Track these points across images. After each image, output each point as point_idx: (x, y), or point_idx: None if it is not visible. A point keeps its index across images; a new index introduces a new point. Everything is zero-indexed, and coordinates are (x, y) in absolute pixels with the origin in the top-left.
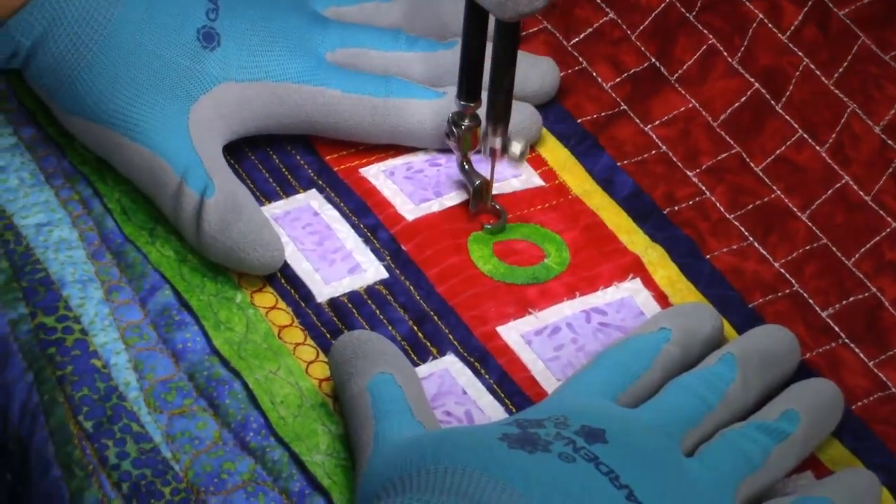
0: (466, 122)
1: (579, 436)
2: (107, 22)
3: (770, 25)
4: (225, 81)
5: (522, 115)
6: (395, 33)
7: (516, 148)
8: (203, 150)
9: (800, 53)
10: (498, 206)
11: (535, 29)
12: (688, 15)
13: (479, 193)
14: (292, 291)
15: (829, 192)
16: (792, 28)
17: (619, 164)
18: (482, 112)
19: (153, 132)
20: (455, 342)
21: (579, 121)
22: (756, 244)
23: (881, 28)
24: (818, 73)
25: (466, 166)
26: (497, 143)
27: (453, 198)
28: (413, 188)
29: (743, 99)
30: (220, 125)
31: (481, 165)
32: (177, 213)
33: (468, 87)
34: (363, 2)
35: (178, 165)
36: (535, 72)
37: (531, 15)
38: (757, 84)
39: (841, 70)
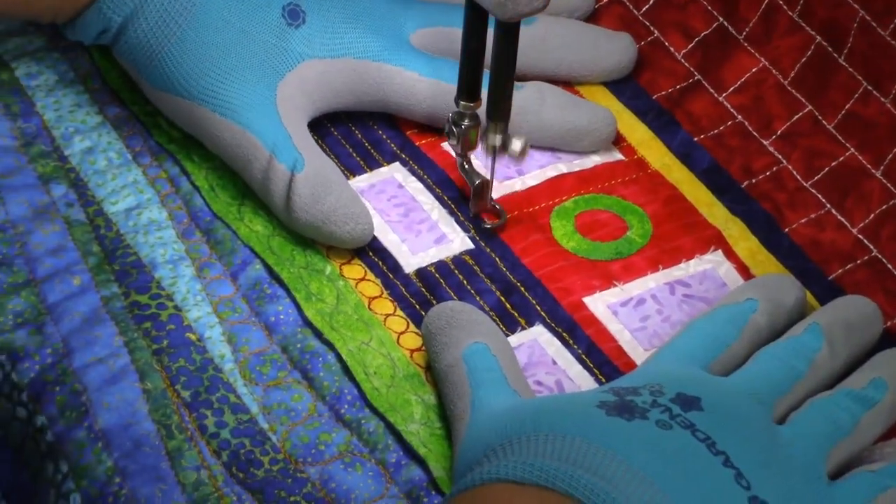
0: (466, 122)
1: (675, 403)
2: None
3: None
4: (309, 59)
5: (596, 115)
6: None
7: (516, 145)
8: (291, 126)
9: (855, 5)
10: (498, 206)
11: (607, 1)
12: None
13: (478, 193)
14: (380, 263)
15: None
16: None
17: (695, 139)
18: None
19: (243, 108)
20: (543, 313)
21: (654, 97)
22: (833, 210)
23: None
24: (874, 24)
25: (466, 166)
26: (497, 140)
27: (536, 176)
28: (497, 165)
29: (808, 54)
30: (304, 101)
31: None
32: (267, 188)
33: (468, 87)
34: None
35: (267, 141)
36: (612, 47)
37: (531, 15)
38: (819, 38)
39: None
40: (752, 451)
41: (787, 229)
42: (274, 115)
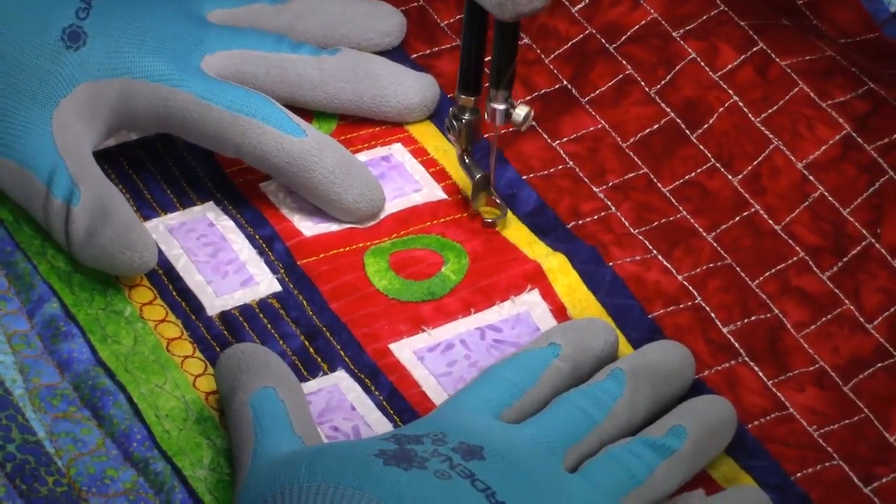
0: (467, 116)
1: (456, 452)
2: None
3: (702, 63)
4: (84, 81)
5: (364, 194)
6: (279, 37)
7: (520, 112)
8: (69, 156)
9: (730, 91)
10: (499, 200)
11: (448, 46)
12: (608, 45)
13: (479, 187)
14: (183, 304)
15: (738, 218)
16: (727, 69)
17: (524, 177)
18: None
19: (16, 143)
20: (346, 358)
21: (486, 136)
22: (659, 256)
23: (822, 79)
24: (746, 109)
25: (467, 160)
26: (500, 106)
27: None
28: (313, 206)
29: (656, 126)
30: (84, 127)
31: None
32: (47, 223)
33: (467, 81)
34: (250, 3)
35: (42, 174)
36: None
37: (530, 15)
38: (673, 114)
39: (773, 109)
40: (535, 500)
41: (611, 263)
42: (49, 146)
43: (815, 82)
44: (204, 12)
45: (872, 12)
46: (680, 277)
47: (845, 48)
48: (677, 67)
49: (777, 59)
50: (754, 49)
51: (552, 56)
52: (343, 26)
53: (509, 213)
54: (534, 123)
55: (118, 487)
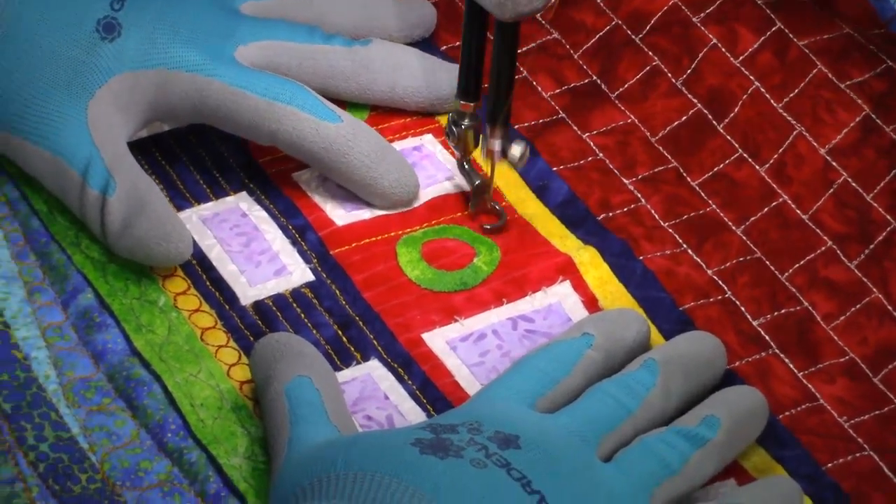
0: (466, 122)
1: (492, 441)
2: (1, 21)
3: (723, 49)
4: (120, 72)
5: (400, 179)
6: (311, 28)
7: (516, 150)
8: (104, 146)
9: (751, 77)
10: (498, 207)
11: None
12: (634, 36)
13: (478, 193)
14: (217, 294)
15: (766, 209)
16: (747, 53)
17: (554, 169)
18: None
19: (52, 133)
20: (379, 348)
21: (516, 126)
22: (689, 251)
23: (840, 59)
24: (767, 95)
25: (466, 166)
26: (496, 145)
27: None
28: (345, 194)
29: (684, 118)
30: (119, 118)
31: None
32: (83, 214)
33: (468, 87)
34: None
35: (78, 165)
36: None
37: (530, 15)
38: (699, 104)
39: (793, 94)
40: (570, 489)
41: (641, 257)
42: (85, 137)
43: (832, 63)
44: (237, 4)
45: (878, 10)
46: (710, 272)
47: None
48: (700, 55)
49: (795, 40)
50: (772, 29)
51: (580, 51)
52: (373, 18)
53: (540, 205)
54: (563, 115)
55: (152, 479)
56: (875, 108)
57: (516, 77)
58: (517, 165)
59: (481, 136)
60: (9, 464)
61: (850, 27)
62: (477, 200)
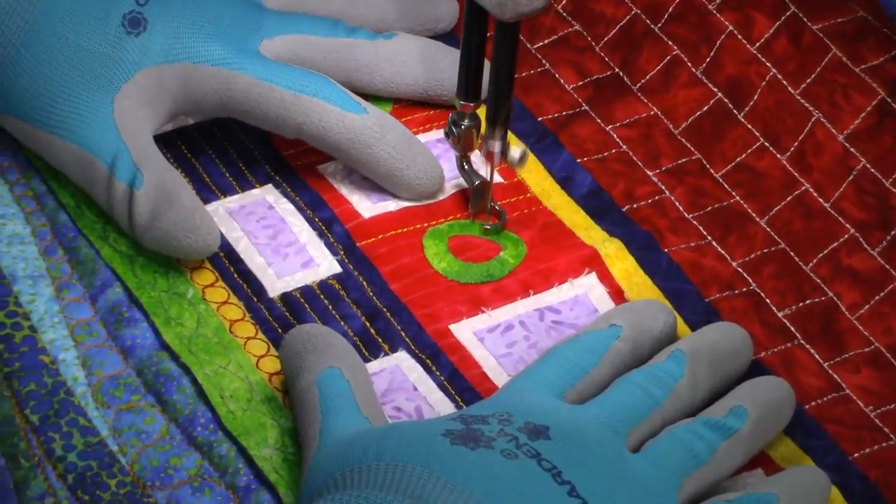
0: (466, 122)
1: (522, 432)
2: (29, 15)
3: (739, 37)
4: (146, 67)
5: (426, 170)
6: (335, 21)
7: (515, 152)
8: (131, 140)
9: (768, 64)
10: (498, 207)
11: None
12: (653, 26)
13: (478, 194)
14: (245, 286)
15: (789, 198)
16: (762, 39)
17: (578, 160)
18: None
19: (79, 127)
20: (407, 339)
21: (540, 119)
22: (714, 243)
23: (854, 42)
24: (785, 82)
25: (466, 166)
26: (496, 146)
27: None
28: (371, 186)
29: (705, 108)
30: (145, 112)
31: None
32: (110, 207)
33: (468, 87)
34: None
35: (105, 158)
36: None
37: (531, 15)
38: (720, 94)
39: (810, 80)
40: (600, 480)
41: (666, 249)
42: (112, 131)
43: (847, 47)
44: None
45: (885, 5)
46: (734, 264)
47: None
48: (717, 43)
49: (809, 24)
50: (787, 14)
51: (602, 43)
52: (396, 12)
53: (565, 196)
54: (587, 108)
55: (182, 476)
56: (890, 91)
57: (538, 70)
58: (516, 167)
59: (481, 137)
60: (38, 479)
61: (864, 10)
62: (476, 200)
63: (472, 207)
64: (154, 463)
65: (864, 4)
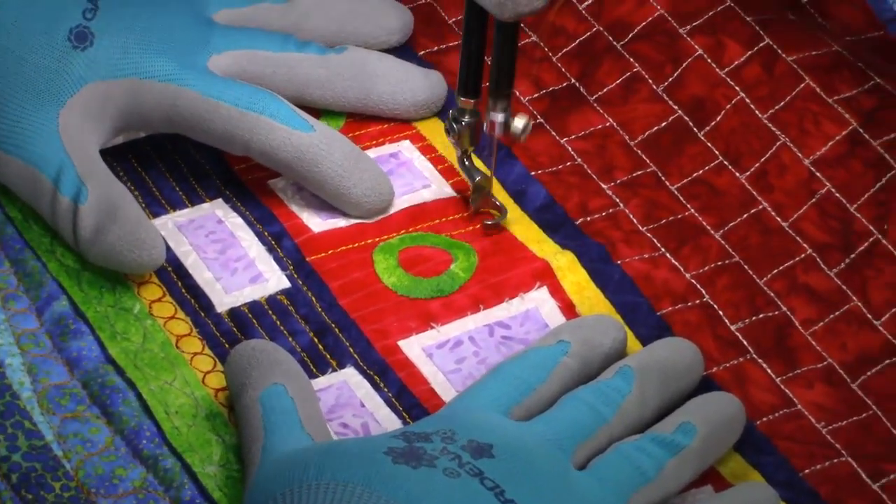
0: (466, 118)
1: (465, 451)
2: None
3: (709, 60)
4: (92, 81)
5: (374, 188)
6: (285, 36)
7: (518, 124)
8: (76, 155)
9: (736, 88)
10: (498, 202)
11: (456, 43)
12: (615, 43)
13: (479, 190)
14: (192, 301)
15: (745, 215)
16: (733, 65)
17: (532, 173)
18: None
19: (23, 141)
20: (355, 355)
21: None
22: (668, 255)
23: (829, 74)
24: (753, 106)
25: (467, 162)
26: (499, 117)
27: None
28: (322, 202)
29: (664, 123)
30: (91, 126)
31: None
32: (55, 221)
33: (467, 84)
34: (256, 3)
35: (50, 172)
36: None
37: (530, 15)
38: (680, 111)
39: (779, 106)
40: (544, 498)
41: (619, 262)
42: (57, 145)
43: (821, 77)
44: (210, 13)
45: (876, 11)
46: (688, 276)
47: (851, 44)
48: (684, 64)
49: (783, 55)
50: (760, 45)
51: (560, 54)
52: (350, 24)
53: (518, 210)
54: (542, 121)
55: (127, 486)
56: (863, 122)
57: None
58: (519, 138)
59: (484, 110)
60: None
61: (839, 44)
62: (477, 197)
63: (473, 203)
64: (99, 471)
65: (854, 11)
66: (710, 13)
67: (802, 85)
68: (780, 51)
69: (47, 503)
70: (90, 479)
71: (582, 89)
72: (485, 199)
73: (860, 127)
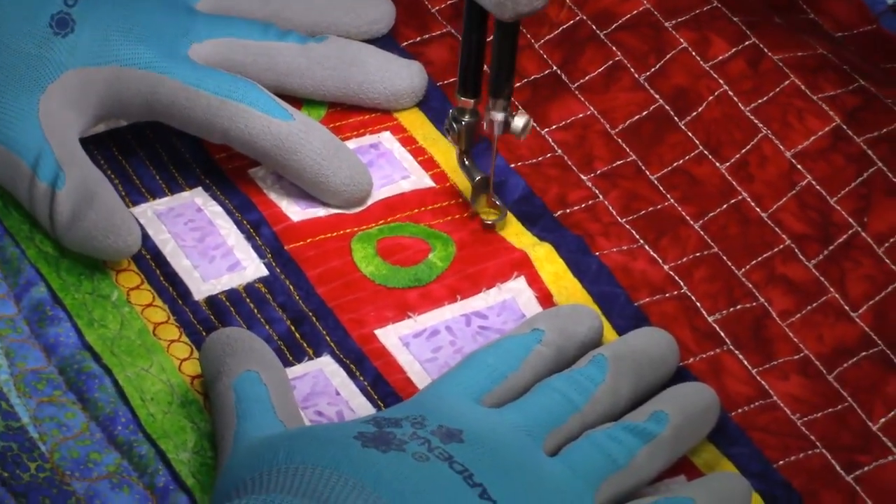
0: (466, 118)
1: (435, 435)
2: None
3: (693, 53)
4: (73, 68)
5: (353, 177)
6: (266, 25)
7: (518, 122)
8: (55, 141)
9: (720, 81)
10: (499, 202)
11: (438, 33)
12: (599, 32)
13: (479, 189)
14: (170, 289)
15: (725, 206)
16: (717, 59)
17: (511, 165)
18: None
19: (2, 126)
20: (332, 343)
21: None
22: (646, 246)
23: (814, 73)
24: (736, 99)
25: (467, 162)
26: (499, 116)
27: None
28: (301, 191)
29: (645, 112)
30: (71, 113)
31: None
32: (32, 207)
33: (466, 84)
34: None
35: (28, 158)
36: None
37: (530, 15)
38: (662, 101)
39: (763, 100)
40: (514, 483)
41: (597, 253)
42: (36, 130)
43: (806, 76)
44: (192, 2)
45: (869, 4)
46: (666, 267)
47: (840, 44)
48: (668, 56)
49: (769, 53)
50: (746, 43)
51: (542, 41)
52: (331, 14)
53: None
54: (522, 111)
55: (101, 471)
56: (847, 119)
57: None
58: (519, 136)
59: (485, 109)
60: None
61: (826, 48)
62: (477, 196)
63: (473, 203)
64: (74, 455)
65: (846, 6)
66: (697, 11)
67: (787, 82)
68: (766, 49)
69: (23, 482)
70: (65, 461)
71: (563, 77)
72: (485, 200)
73: (844, 124)
